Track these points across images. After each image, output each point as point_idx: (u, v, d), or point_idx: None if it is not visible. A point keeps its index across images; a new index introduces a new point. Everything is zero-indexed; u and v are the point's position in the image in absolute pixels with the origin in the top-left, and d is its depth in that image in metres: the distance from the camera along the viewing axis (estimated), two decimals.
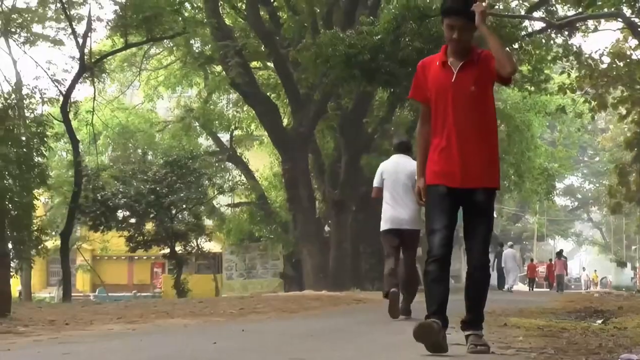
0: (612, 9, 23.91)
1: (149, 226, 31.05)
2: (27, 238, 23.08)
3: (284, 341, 7.22)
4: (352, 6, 27.37)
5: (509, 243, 41.61)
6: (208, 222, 34.96)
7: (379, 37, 20.07)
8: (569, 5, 28.62)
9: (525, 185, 40.07)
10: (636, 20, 24.90)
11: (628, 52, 29.34)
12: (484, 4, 5.50)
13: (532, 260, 49.52)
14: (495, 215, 61.09)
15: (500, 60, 5.40)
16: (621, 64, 29.56)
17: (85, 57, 25.26)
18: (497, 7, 27.19)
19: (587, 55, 30.69)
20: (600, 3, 24.01)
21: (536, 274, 44.43)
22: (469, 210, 5.70)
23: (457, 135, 5.52)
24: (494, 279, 39.72)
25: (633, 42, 26.97)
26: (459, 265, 42.96)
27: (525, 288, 41.96)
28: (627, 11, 24.52)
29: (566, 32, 29.30)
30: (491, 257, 40.68)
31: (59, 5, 25.53)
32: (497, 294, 29.33)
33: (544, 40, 29.19)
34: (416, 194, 5.92)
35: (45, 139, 23.50)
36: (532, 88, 30.47)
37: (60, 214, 32.36)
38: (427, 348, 5.40)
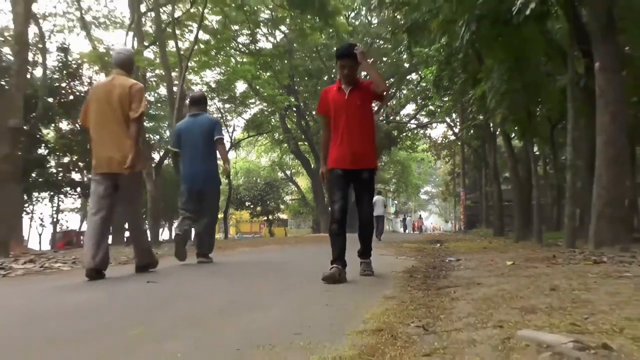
0: (442, 119, 23.93)
1: (258, 209, 31.07)
2: None
3: (318, 256, 6.96)
4: None
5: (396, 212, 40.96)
6: (282, 207, 34.93)
7: None
8: (425, 115, 28.60)
9: (408, 190, 39.92)
10: (451, 123, 24.98)
11: (449, 136, 29.21)
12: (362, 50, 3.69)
13: (414, 221, 48.99)
14: (397, 202, 59.13)
15: (377, 83, 3.63)
16: (446, 140, 29.26)
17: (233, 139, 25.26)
18: (393, 118, 27.17)
19: (434, 138, 30.60)
20: (437, 115, 24.07)
21: (415, 226, 44.02)
22: (358, 186, 3.71)
23: (348, 134, 3.67)
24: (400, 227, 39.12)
25: (450, 132, 26.93)
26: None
27: (415, 232, 41.67)
28: (448, 119, 24.58)
29: (425, 127, 29.26)
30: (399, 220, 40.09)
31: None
32: (401, 235, 28.94)
33: (416, 131, 29.18)
34: (320, 176, 3.85)
35: None
36: (411, 151, 30.42)
37: (222, 204, 32.12)
38: (330, 284, 3.29)
